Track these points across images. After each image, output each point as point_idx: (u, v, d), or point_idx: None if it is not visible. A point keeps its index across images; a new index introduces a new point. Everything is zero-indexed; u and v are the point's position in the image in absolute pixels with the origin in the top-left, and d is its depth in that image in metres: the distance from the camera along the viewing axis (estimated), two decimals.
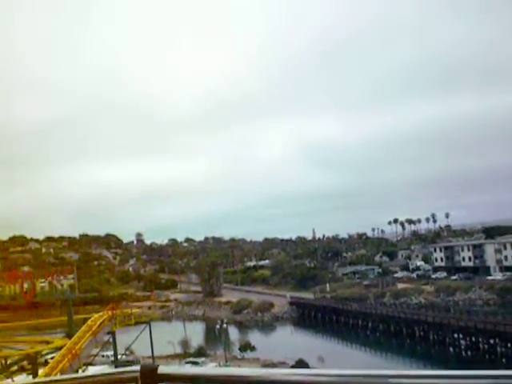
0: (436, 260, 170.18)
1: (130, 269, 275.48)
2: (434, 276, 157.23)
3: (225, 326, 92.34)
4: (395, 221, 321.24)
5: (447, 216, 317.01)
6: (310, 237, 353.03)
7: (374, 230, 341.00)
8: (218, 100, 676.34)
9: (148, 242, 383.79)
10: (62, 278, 64.45)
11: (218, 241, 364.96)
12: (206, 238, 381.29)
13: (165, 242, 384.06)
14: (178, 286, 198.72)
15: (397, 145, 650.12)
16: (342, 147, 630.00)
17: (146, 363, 4.03)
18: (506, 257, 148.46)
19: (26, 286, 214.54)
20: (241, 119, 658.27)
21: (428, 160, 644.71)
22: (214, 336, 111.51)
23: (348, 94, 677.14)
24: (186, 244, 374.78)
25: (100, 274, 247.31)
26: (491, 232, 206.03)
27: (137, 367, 2.89)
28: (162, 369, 2.77)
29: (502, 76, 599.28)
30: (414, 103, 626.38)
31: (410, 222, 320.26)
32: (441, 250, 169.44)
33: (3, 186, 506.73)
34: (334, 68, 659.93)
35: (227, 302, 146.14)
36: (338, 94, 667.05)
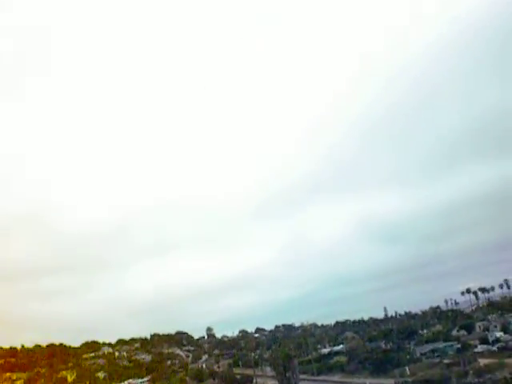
0: None
1: (204, 366, 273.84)
2: None
3: None
4: (468, 291, 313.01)
5: None
6: (381, 315, 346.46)
7: (446, 301, 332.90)
8: (271, 189, 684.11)
9: (219, 335, 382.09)
10: None
11: (288, 328, 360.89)
12: (277, 327, 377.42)
13: (235, 333, 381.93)
14: (254, 380, 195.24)
15: (457, 212, 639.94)
16: (402, 220, 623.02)
17: None
18: None
19: None
20: (297, 204, 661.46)
21: (490, 223, 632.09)
22: None
23: (401, 166, 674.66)
24: (256, 335, 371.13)
25: (174, 373, 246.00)
26: None
27: None
28: None
29: None
30: (467, 167, 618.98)
31: (484, 290, 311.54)
32: None
33: (72, 293, 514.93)
34: (384, 142, 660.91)
35: None
36: (390, 167, 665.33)
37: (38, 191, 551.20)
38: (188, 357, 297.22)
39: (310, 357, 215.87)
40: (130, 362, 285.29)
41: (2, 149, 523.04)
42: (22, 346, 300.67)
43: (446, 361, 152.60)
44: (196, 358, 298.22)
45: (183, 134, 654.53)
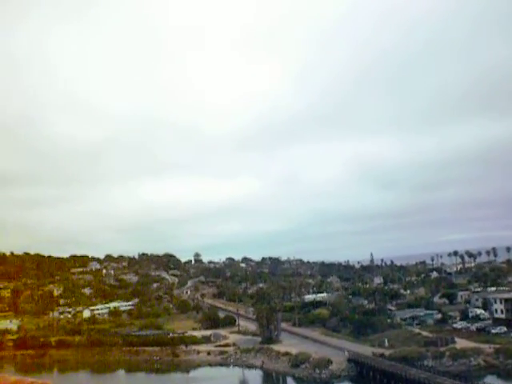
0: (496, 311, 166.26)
1: (188, 292, 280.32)
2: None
3: None
4: (455, 253, 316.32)
5: (508, 250, 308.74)
6: (367, 259, 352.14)
7: (433, 259, 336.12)
8: (265, 122, 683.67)
9: (206, 259, 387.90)
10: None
11: (275, 262, 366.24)
12: (264, 259, 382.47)
13: (222, 260, 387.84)
14: (236, 322, 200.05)
15: (454, 164, 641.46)
16: (397, 166, 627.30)
17: None
18: None
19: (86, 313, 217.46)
20: (291, 139, 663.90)
21: (482, 181, 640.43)
22: None
23: (400, 113, 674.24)
24: (243, 264, 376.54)
25: (159, 300, 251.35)
26: None
27: None
28: None
29: None
30: (473, 121, 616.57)
31: (470, 255, 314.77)
32: (501, 302, 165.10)
33: (54, 204, 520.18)
34: (380, 86, 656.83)
35: (285, 353, 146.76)
36: (388, 112, 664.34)
37: (18, 104, 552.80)
38: (173, 283, 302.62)
39: (293, 302, 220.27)
40: (116, 280, 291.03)
41: None
42: (12, 253, 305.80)
43: (424, 333, 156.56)
44: (181, 284, 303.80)
45: (178, 58, 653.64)
